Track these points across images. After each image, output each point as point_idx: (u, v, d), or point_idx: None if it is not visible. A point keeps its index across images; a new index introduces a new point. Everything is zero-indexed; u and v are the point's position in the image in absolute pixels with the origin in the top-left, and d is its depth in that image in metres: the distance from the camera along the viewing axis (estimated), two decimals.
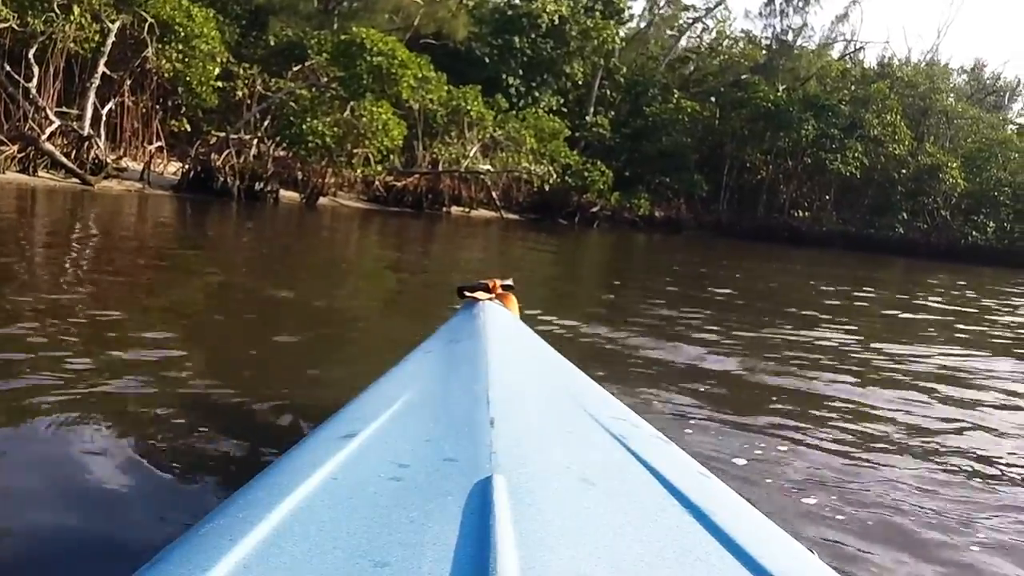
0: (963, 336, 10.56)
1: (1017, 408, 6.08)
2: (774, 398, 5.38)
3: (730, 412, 4.77)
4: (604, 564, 1.08)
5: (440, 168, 30.63)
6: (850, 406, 5.41)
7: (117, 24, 23.02)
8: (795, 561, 1.28)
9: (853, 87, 45.11)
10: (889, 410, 5.37)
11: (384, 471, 1.37)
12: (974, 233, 43.43)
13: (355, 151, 25.49)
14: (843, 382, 6.21)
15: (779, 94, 42.54)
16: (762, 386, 5.72)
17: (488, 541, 1.05)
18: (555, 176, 34.22)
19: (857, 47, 52.60)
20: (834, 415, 5.09)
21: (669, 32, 50.44)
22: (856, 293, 15.97)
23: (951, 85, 52.00)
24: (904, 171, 42.98)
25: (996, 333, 11.45)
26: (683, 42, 50.62)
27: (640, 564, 1.11)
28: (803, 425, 4.70)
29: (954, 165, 42.26)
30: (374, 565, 1.03)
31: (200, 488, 2.95)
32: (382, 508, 1.21)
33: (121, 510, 2.73)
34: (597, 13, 39.52)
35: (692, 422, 4.47)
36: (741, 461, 3.90)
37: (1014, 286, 23.78)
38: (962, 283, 22.17)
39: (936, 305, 14.81)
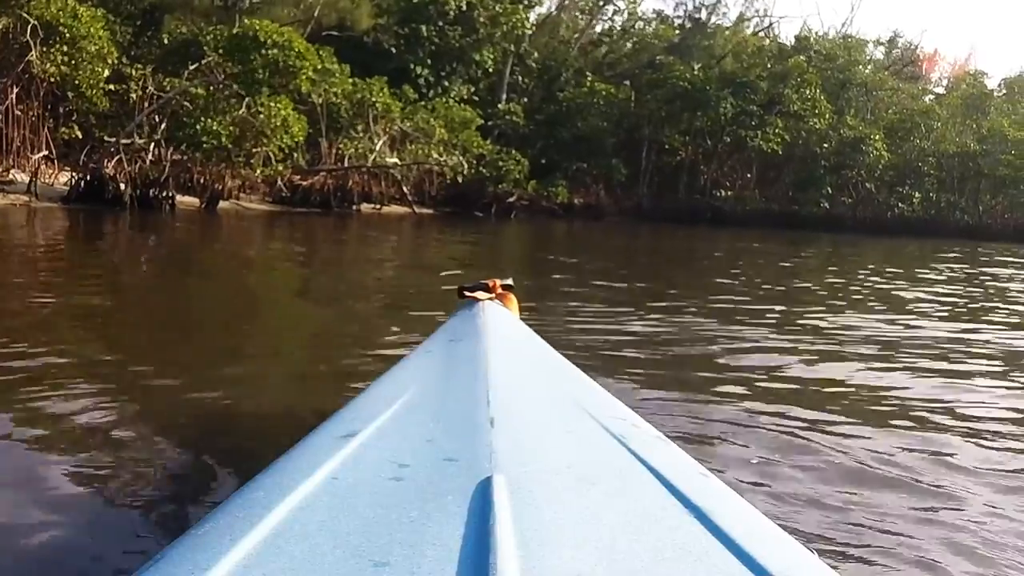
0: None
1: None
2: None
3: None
4: (604, 564, 1.12)
5: (347, 164, 30.87)
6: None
7: None
8: (795, 561, 1.31)
9: (770, 63, 46.02)
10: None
11: (384, 471, 1.43)
12: (900, 205, 44.74)
13: (254, 150, 25.51)
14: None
15: (695, 73, 43.21)
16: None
17: (488, 541, 1.09)
18: (468, 167, 34.52)
19: (772, 22, 53.70)
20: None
21: (580, 15, 50.93)
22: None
23: (868, 57, 53.25)
24: (826, 145, 43.98)
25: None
26: (597, 25, 51.26)
27: (640, 564, 1.14)
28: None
29: (877, 137, 43.33)
30: (374, 565, 1.07)
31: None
32: (382, 508, 1.25)
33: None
34: None
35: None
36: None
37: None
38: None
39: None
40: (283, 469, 1.49)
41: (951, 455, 4.37)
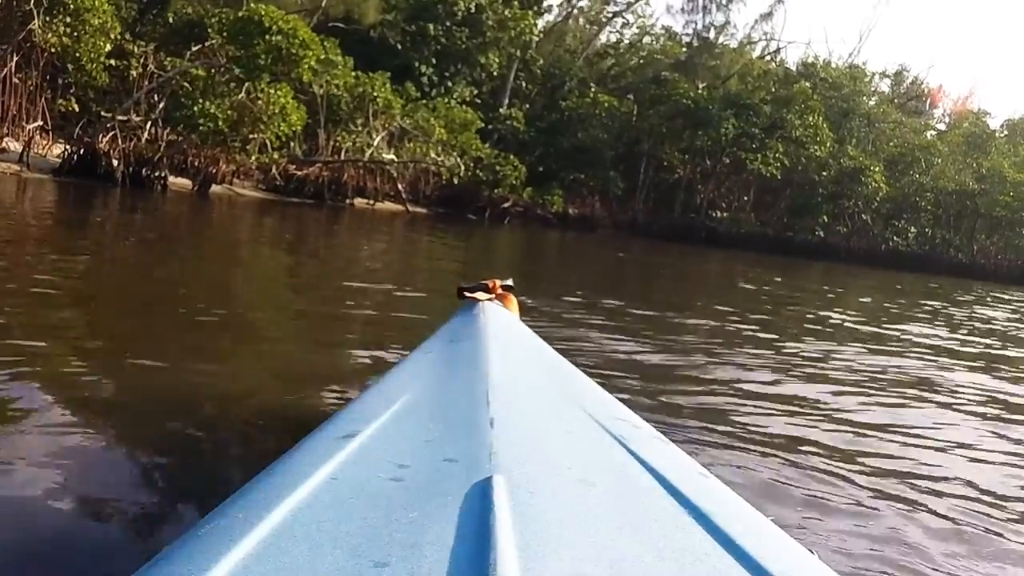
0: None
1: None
2: None
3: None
4: (604, 564, 1.12)
5: (343, 157, 30.85)
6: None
7: None
8: (795, 561, 1.33)
9: (775, 87, 46.15)
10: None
11: (384, 471, 1.43)
12: (895, 238, 44.83)
13: (251, 136, 25.48)
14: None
15: (699, 92, 43.35)
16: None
17: (488, 541, 1.09)
18: (465, 169, 34.57)
19: (779, 46, 53.82)
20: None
21: (588, 26, 51.07)
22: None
23: (873, 89, 53.40)
24: (825, 173, 44.06)
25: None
26: (603, 37, 51.45)
27: (640, 564, 1.15)
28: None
29: (876, 169, 43.37)
30: (374, 565, 1.08)
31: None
32: (382, 508, 1.26)
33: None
34: (515, 3, 39.97)
35: None
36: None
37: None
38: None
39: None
40: (283, 469, 1.50)
41: (936, 460, 4.54)
